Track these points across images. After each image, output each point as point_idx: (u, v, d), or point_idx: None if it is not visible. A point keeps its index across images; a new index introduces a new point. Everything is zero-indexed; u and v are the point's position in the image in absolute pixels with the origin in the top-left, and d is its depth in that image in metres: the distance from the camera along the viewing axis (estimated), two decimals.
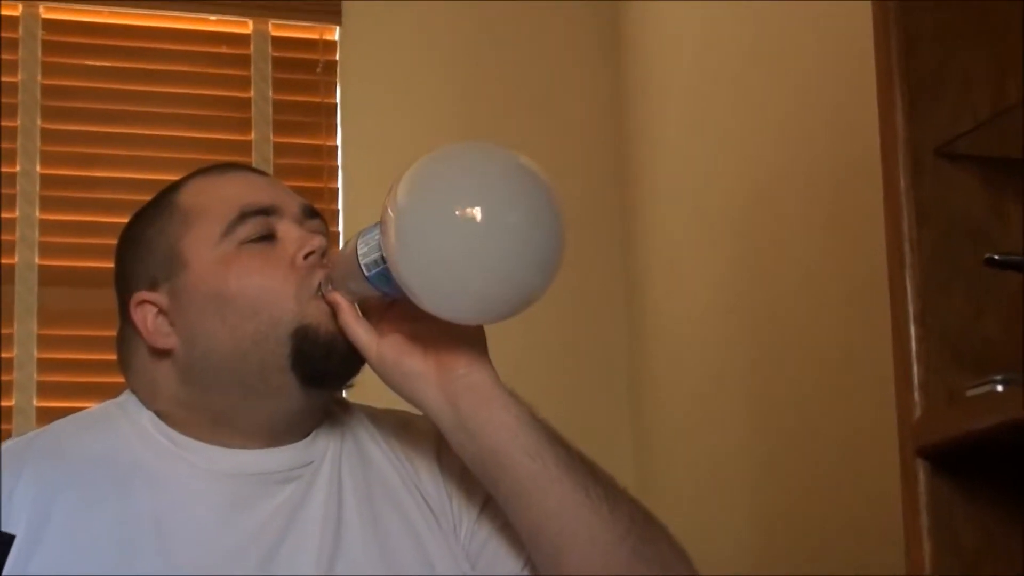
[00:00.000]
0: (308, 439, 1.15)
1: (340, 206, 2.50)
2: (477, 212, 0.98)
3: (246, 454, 1.13)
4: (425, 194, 1.00)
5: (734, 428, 2.18)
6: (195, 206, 1.15)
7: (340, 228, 2.48)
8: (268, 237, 1.13)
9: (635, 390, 2.57)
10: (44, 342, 2.35)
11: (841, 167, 1.87)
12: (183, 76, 2.50)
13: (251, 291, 1.10)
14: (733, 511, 2.17)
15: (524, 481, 1.05)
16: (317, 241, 1.14)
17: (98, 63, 2.48)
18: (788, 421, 2.01)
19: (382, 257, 1.03)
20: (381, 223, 1.02)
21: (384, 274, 1.04)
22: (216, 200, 1.15)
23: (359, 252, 1.06)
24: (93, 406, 1.18)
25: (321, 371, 1.11)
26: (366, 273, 1.06)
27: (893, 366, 1.23)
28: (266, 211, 1.14)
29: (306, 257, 1.13)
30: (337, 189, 2.52)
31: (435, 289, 1.01)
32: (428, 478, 1.17)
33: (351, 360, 1.11)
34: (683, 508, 2.28)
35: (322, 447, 1.16)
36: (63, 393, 2.34)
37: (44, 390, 2.33)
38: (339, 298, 1.10)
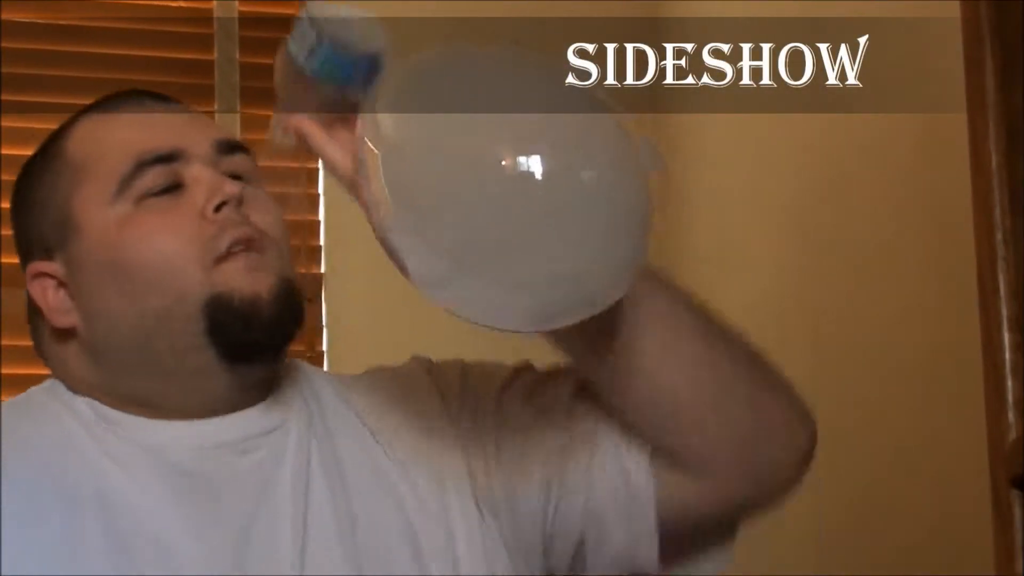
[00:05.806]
0: (265, 404, 1.14)
1: (321, 189, 2.49)
2: (536, 163, 0.79)
3: (200, 424, 1.12)
4: (434, 123, 0.84)
5: None
6: (84, 157, 1.13)
7: (321, 216, 2.47)
8: (174, 188, 1.11)
9: None
10: (6, 354, 2.30)
11: (920, 139, 1.86)
12: (130, 36, 2.49)
13: (151, 258, 1.09)
14: (786, 543, 2.16)
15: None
16: (229, 188, 1.11)
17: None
18: (855, 443, 2.01)
19: (316, 35, 0.98)
20: (361, 158, 0.91)
21: (328, 55, 1.00)
22: (107, 148, 1.13)
23: (292, 54, 1.01)
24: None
25: (242, 343, 1.09)
26: (309, 70, 1.01)
27: (983, 381, 1.23)
28: (169, 157, 1.12)
29: (217, 209, 1.10)
30: (317, 169, 2.51)
31: (465, 287, 0.88)
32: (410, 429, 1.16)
33: (278, 325, 1.10)
34: None
35: (283, 412, 1.15)
36: None
37: None
38: (301, 121, 1.05)
